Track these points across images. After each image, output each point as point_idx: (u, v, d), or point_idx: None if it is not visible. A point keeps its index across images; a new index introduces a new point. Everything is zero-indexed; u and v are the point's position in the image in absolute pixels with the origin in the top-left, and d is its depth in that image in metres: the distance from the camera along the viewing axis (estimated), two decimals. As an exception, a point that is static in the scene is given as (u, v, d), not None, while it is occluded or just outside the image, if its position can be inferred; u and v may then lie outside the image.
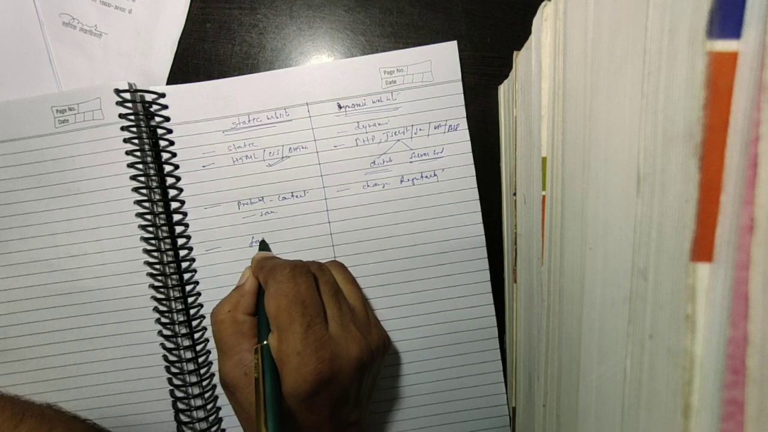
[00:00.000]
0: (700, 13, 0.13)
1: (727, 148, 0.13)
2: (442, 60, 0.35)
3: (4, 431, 0.28)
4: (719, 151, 0.13)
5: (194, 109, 0.34)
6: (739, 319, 0.12)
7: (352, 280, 0.33)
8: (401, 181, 0.35)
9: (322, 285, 0.29)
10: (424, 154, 0.35)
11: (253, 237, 0.35)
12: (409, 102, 0.35)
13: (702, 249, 0.13)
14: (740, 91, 0.12)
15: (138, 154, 0.33)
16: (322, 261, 0.33)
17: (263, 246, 0.34)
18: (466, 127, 0.35)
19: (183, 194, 0.34)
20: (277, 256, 0.34)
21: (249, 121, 0.34)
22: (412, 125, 0.35)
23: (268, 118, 0.34)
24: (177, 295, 0.34)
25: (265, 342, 0.27)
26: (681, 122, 0.14)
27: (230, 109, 0.34)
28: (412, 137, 0.35)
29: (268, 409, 0.24)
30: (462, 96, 0.35)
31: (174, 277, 0.34)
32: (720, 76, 0.13)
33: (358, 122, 0.35)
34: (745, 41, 0.12)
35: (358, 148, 0.35)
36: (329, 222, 0.35)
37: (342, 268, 0.33)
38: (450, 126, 0.35)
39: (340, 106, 0.35)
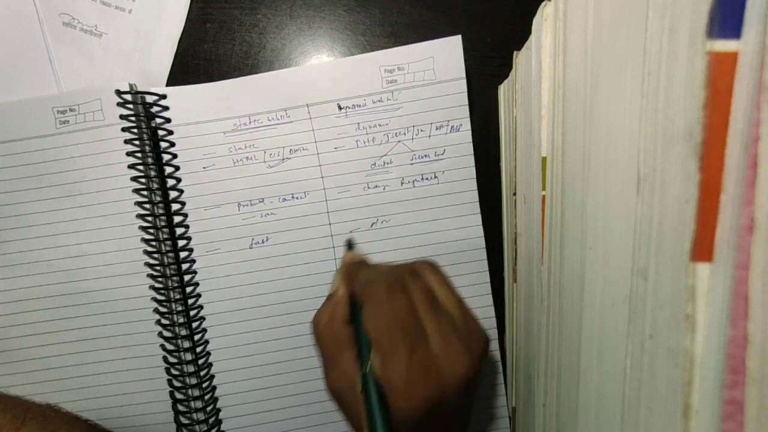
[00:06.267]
0: (700, 13, 0.13)
1: (727, 148, 0.13)
2: (445, 56, 0.34)
3: None
4: (719, 151, 0.13)
5: (195, 111, 0.34)
6: (739, 319, 0.12)
7: (446, 282, 0.30)
8: (401, 183, 0.35)
9: (417, 296, 0.28)
10: (425, 156, 0.35)
11: (252, 239, 0.35)
12: (410, 102, 0.34)
13: (702, 249, 0.13)
14: (740, 91, 0.12)
15: (139, 155, 0.33)
16: (409, 261, 0.30)
17: (350, 245, 0.33)
18: (469, 127, 0.35)
19: (183, 195, 0.34)
20: (366, 257, 0.31)
21: (250, 122, 0.34)
22: (414, 126, 0.35)
23: (269, 120, 0.34)
24: (177, 296, 0.34)
25: (367, 369, 0.26)
26: (681, 122, 0.14)
27: (231, 111, 0.34)
28: (413, 138, 0.35)
29: None
30: (466, 95, 0.34)
31: (174, 278, 0.34)
32: (720, 76, 0.13)
33: (358, 123, 0.35)
34: (745, 41, 0.12)
35: (359, 150, 0.35)
36: (330, 224, 0.35)
37: (433, 269, 0.30)
38: (453, 126, 0.35)
39: (340, 107, 0.34)
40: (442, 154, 0.35)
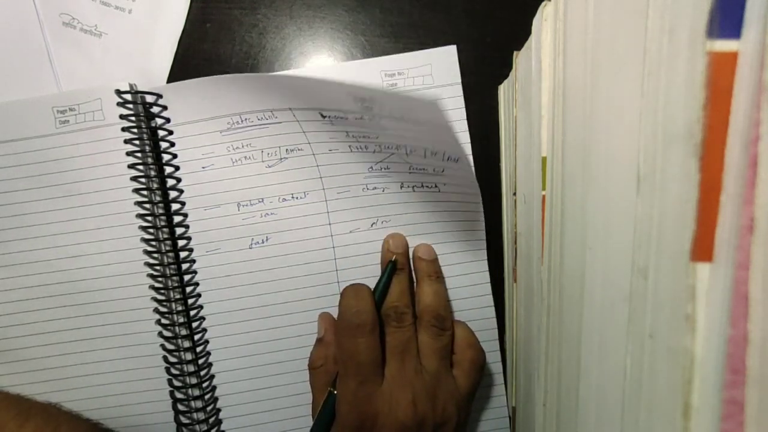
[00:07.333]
0: (700, 13, 0.13)
1: (727, 148, 0.13)
2: (441, 63, 0.35)
3: (10, 430, 0.28)
4: (719, 151, 0.13)
5: (190, 108, 0.34)
6: (739, 318, 0.12)
7: (440, 349, 0.32)
8: (401, 187, 0.34)
9: (391, 341, 0.31)
10: (423, 169, 0.33)
11: (252, 239, 0.35)
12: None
13: (702, 249, 0.13)
14: (740, 91, 0.12)
15: (139, 155, 0.33)
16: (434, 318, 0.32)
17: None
18: (468, 141, 0.35)
19: (183, 195, 0.34)
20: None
21: (242, 121, 0.34)
22: (405, 145, 0.32)
23: (259, 119, 0.34)
24: (178, 296, 0.34)
25: (334, 391, 0.31)
26: (681, 122, 0.14)
27: (223, 109, 0.34)
28: (408, 153, 0.33)
29: None
30: (462, 98, 0.35)
31: (174, 278, 0.34)
32: (720, 76, 0.13)
33: (347, 132, 0.33)
34: (745, 41, 0.12)
35: (353, 154, 0.34)
36: (330, 224, 0.35)
37: (435, 332, 0.32)
38: (450, 157, 0.31)
39: (323, 116, 0.32)
40: (442, 171, 0.33)
